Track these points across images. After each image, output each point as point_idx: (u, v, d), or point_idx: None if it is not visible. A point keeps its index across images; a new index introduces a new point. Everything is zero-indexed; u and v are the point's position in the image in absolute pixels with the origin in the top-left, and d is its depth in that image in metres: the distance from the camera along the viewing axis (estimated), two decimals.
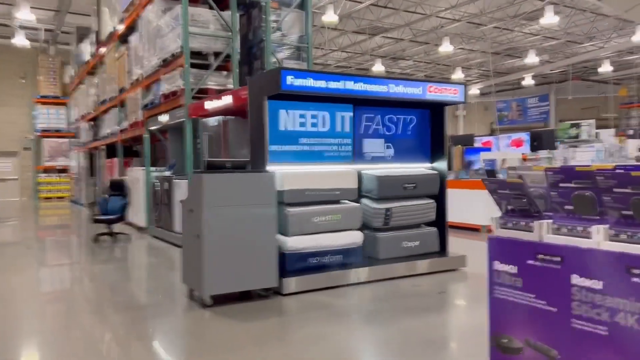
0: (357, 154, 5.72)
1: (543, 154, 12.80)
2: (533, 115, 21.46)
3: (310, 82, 4.85)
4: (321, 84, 4.91)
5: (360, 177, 5.59)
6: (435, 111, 6.11)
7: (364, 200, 5.67)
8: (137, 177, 9.92)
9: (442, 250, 5.94)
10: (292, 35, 8.23)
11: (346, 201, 5.41)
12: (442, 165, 6.05)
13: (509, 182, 2.78)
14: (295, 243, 4.96)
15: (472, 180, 9.14)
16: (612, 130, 13.24)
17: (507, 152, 12.58)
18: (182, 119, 7.55)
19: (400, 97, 5.37)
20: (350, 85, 5.06)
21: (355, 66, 25.96)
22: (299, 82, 4.79)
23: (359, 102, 5.62)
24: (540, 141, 17.44)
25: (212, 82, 7.69)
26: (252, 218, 4.49)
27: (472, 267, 5.83)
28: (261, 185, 4.57)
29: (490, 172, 9.25)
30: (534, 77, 26.25)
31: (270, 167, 5.02)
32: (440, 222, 5.98)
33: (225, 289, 4.43)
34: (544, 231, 2.63)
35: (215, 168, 4.47)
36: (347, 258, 5.24)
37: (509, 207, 2.87)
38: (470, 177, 9.37)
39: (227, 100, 6.07)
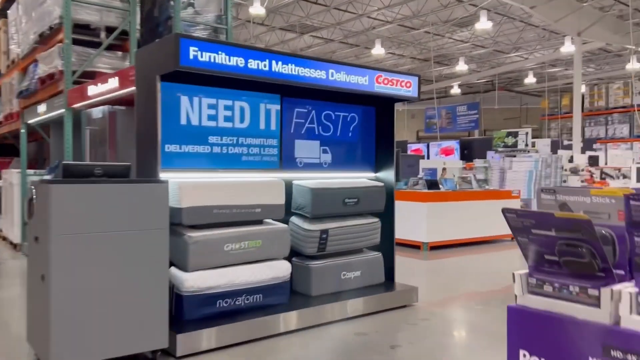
0: (286, 160, 4.42)
1: (479, 163, 12.19)
2: (462, 124, 21.25)
3: (222, 59, 3.49)
4: (238, 62, 3.56)
5: (289, 189, 4.32)
6: (381, 109, 4.96)
7: (294, 220, 4.38)
8: (12, 182, 8.03)
9: (389, 280, 4.78)
10: (208, 15, 6.82)
11: (270, 221, 4.10)
12: (388, 175, 4.90)
13: (563, 217, 1.58)
14: (198, 281, 3.58)
15: (412, 191, 8.13)
16: (548, 140, 12.88)
17: (450, 160, 11.82)
18: (61, 110, 5.91)
19: (342, 87, 4.14)
20: (278, 66, 3.76)
21: None
22: (207, 57, 3.42)
23: (290, 92, 4.34)
24: (471, 150, 17.06)
25: (104, 64, 6.11)
26: (131, 248, 3.07)
27: (423, 300, 4.72)
28: (146, 201, 3.15)
29: (432, 182, 8.30)
30: (460, 86, 26.29)
31: (164, 175, 3.61)
32: (386, 246, 4.83)
33: (85, 357, 2.96)
34: (623, 307, 1.47)
35: (76, 175, 3.01)
36: (270, 298, 3.91)
37: (549, 258, 1.68)
38: (409, 187, 8.36)
39: (113, 83, 4.58)
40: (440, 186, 8.37)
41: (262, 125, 4.23)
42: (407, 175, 9.40)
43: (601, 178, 13.49)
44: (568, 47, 17.18)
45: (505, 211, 1.65)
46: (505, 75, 25.59)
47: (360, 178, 4.83)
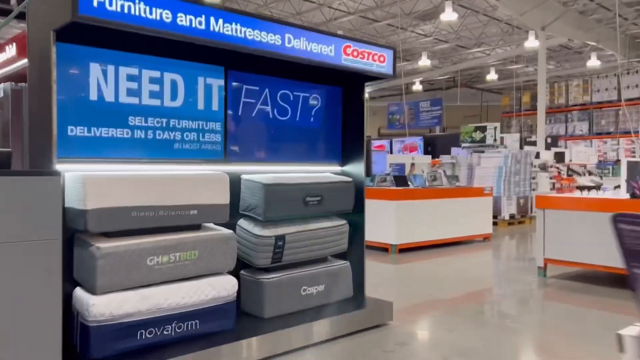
0: (232, 149, 3.57)
1: (446, 159, 11.60)
2: (425, 120, 20.78)
3: (140, 9, 2.60)
4: (163, 15, 2.68)
5: (236, 185, 3.47)
6: (349, 89, 4.16)
7: (243, 224, 3.54)
8: None
9: (359, 293, 4.00)
10: None
11: (211, 226, 3.25)
12: (357, 168, 4.12)
13: None
14: (110, 306, 2.68)
15: (379, 188, 7.40)
16: (516, 135, 12.45)
17: (419, 156, 11.18)
18: None
19: (302, 57, 3.32)
20: (218, 26, 2.90)
21: None
22: (118, 5, 2.53)
23: (237, 64, 3.49)
24: (434, 146, 16.55)
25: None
26: (4, 268, 2.17)
27: (398, 317, 3.96)
28: (29, 202, 2.25)
29: (400, 179, 7.58)
30: (422, 82, 25.92)
31: (65, 166, 2.71)
32: (355, 253, 4.04)
33: None
34: None
35: None
36: (210, 324, 3.05)
37: None
38: (376, 184, 7.62)
39: (10, 52, 3.62)
40: (409, 183, 7.67)
41: (200, 105, 3.36)
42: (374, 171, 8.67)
43: (568, 175, 13.19)
44: (532, 42, 16.91)
45: (618, 220, 0.88)
46: (467, 72, 25.37)
47: (324, 172, 4.03)
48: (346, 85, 4.13)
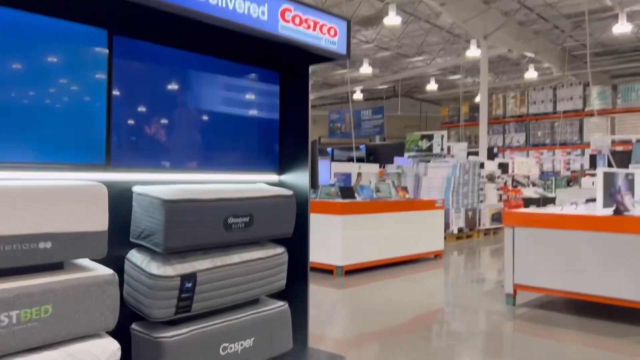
0: (120, 149, 2.50)
1: (391, 168, 10.90)
2: (367, 129, 20.17)
3: None
4: None
5: (124, 201, 2.41)
6: (289, 74, 3.19)
7: (134, 257, 2.46)
8: None
9: (300, 343, 3.02)
10: None
11: (80, 264, 2.16)
12: (300, 178, 3.14)
13: None
14: None
15: (323, 201, 6.47)
16: (464, 144, 11.94)
17: (366, 165, 10.38)
18: None
19: (218, 18, 2.32)
20: None
21: None
22: None
23: (127, 27, 2.43)
24: (377, 156, 15.91)
25: None
26: None
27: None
28: None
29: (347, 191, 6.70)
30: (362, 91, 25.46)
31: None
32: (296, 289, 3.06)
33: None
34: None
35: None
36: None
37: None
38: (319, 196, 6.69)
39: None
40: (356, 195, 6.80)
41: (74, 86, 2.28)
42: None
43: (513, 186, 12.85)
44: (474, 52, 16.71)
45: None
46: (408, 82, 25.16)
47: (255, 183, 3.03)
48: (285, 68, 3.16)
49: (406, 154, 11.39)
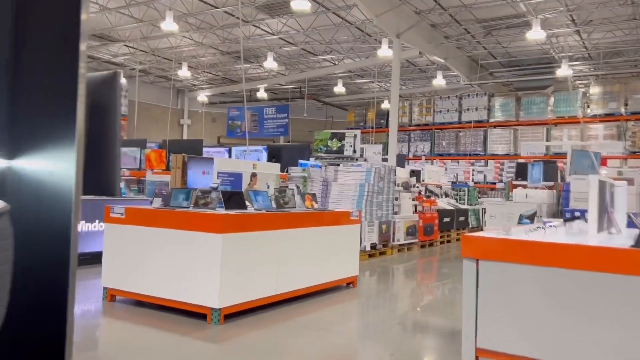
0: None
1: (295, 172, 9.19)
2: (270, 128, 18.32)
3: None
4: None
5: None
6: None
7: None
8: None
9: None
10: None
11: None
12: (61, 168, 1.26)
13: None
14: None
15: (196, 212, 4.53)
16: (378, 147, 10.53)
17: (264, 163, 8.53)
18: None
19: None
20: None
21: None
22: None
23: None
24: (279, 158, 14.13)
25: None
26: None
27: None
28: None
29: (233, 197, 4.81)
30: (266, 90, 23.64)
31: None
32: None
33: None
34: None
35: None
36: None
37: None
38: (192, 204, 4.73)
39: None
40: (248, 203, 4.96)
41: None
42: (196, 186, 5.78)
43: (426, 196, 11.68)
44: (385, 51, 15.57)
45: None
46: (314, 84, 23.76)
47: None
48: None
49: (313, 156, 9.74)
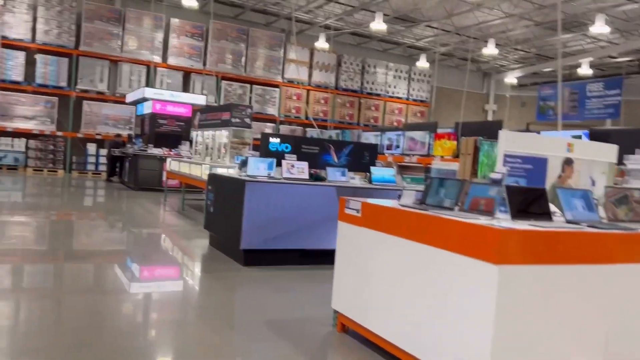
0: None
1: (636, 162, 6.35)
2: (594, 109, 14.56)
3: None
4: None
5: None
6: None
7: None
8: None
9: None
10: None
11: None
12: None
13: None
14: None
15: (454, 220, 2.74)
16: None
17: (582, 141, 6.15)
18: None
19: None
20: None
21: (353, 27, 19.57)
22: None
23: None
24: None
25: None
26: None
27: None
28: None
29: (526, 197, 2.85)
30: (592, 66, 19.37)
31: None
32: None
33: None
34: None
35: None
36: None
37: None
38: (452, 206, 2.95)
39: None
40: (555, 210, 2.91)
41: None
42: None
43: None
44: None
45: None
46: None
47: None
48: None
49: None
